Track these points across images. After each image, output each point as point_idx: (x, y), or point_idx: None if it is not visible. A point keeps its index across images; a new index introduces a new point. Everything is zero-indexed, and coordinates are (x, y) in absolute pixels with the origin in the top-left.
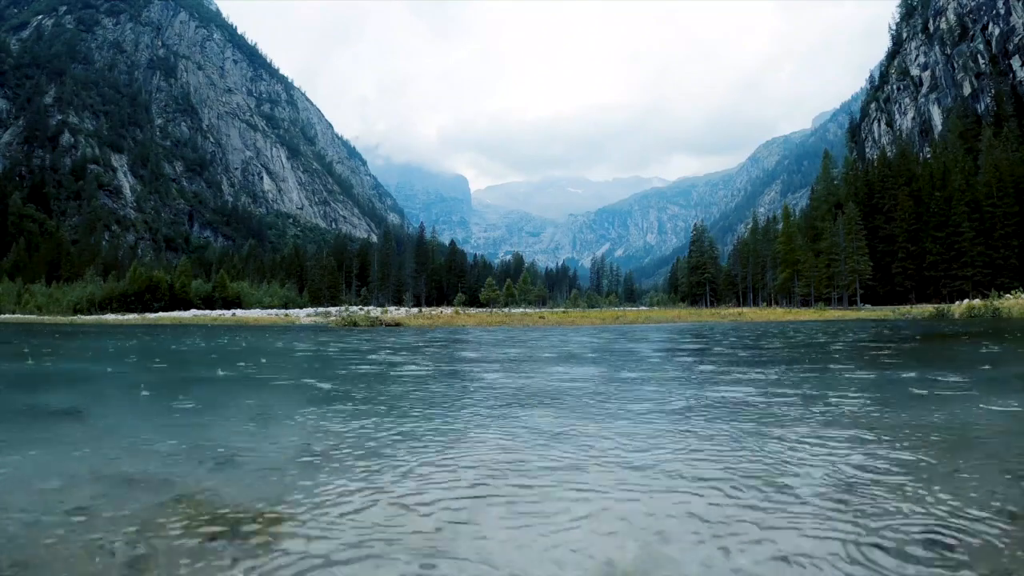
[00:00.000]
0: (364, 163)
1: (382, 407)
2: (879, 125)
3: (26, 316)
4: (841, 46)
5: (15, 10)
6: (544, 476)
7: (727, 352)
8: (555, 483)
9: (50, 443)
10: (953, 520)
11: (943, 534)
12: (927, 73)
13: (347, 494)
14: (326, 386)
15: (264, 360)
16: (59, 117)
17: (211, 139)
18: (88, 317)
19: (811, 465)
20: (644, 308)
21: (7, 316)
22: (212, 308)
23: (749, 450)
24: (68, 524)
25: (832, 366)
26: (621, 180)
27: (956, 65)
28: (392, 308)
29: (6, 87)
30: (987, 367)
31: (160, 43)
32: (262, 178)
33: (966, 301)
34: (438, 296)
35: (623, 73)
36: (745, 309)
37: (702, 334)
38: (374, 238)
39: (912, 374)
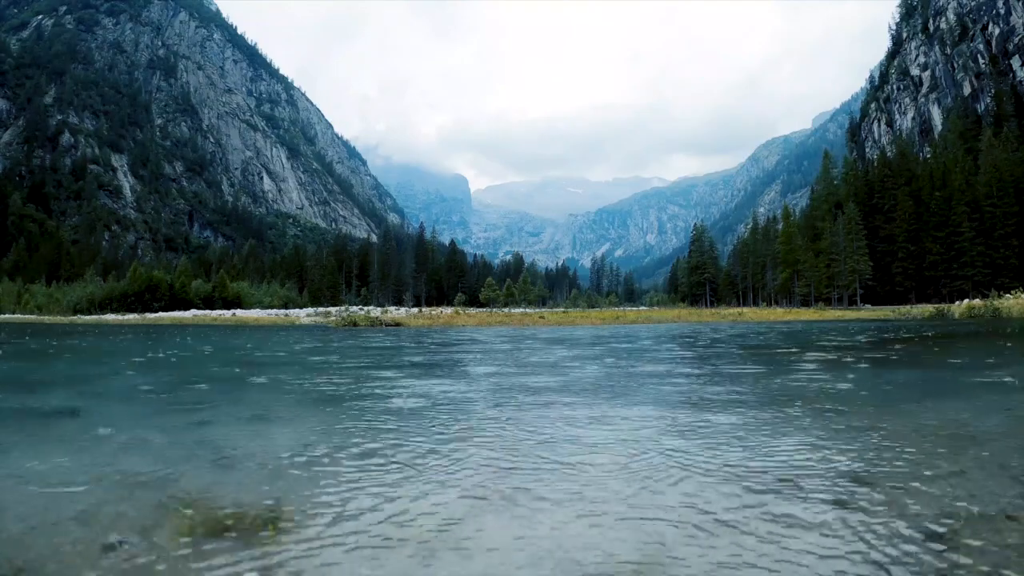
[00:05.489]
0: (364, 163)
1: (382, 407)
2: (879, 125)
3: (26, 316)
4: (841, 46)
5: (15, 10)
6: (545, 476)
7: (729, 352)
8: (556, 483)
9: (50, 443)
10: (953, 520)
11: (943, 534)
12: (927, 73)
13: (347, 494)
14: (326, 386)
15: (263, 360)
16: (59, 117)
17: (211, 139)
18: (88, 317)
19: (812, 464)
20: (644, 308)
21: (7, 316)
22: (212, 308)
23: (749, 449)
24: (67, 524)
25: (831, 366)
26: (621, 180)
27: (956, 65)
28: (392, 308)
29: (6, 87)
30: (986, 367)
31: (160, 43)
32: (262, 178)
33: (966, 301)
34: (438, 296)
35: (623, 73)
36: (745, 309)
37: (704, 334)
38: (374, 238)
39: (912, 374)
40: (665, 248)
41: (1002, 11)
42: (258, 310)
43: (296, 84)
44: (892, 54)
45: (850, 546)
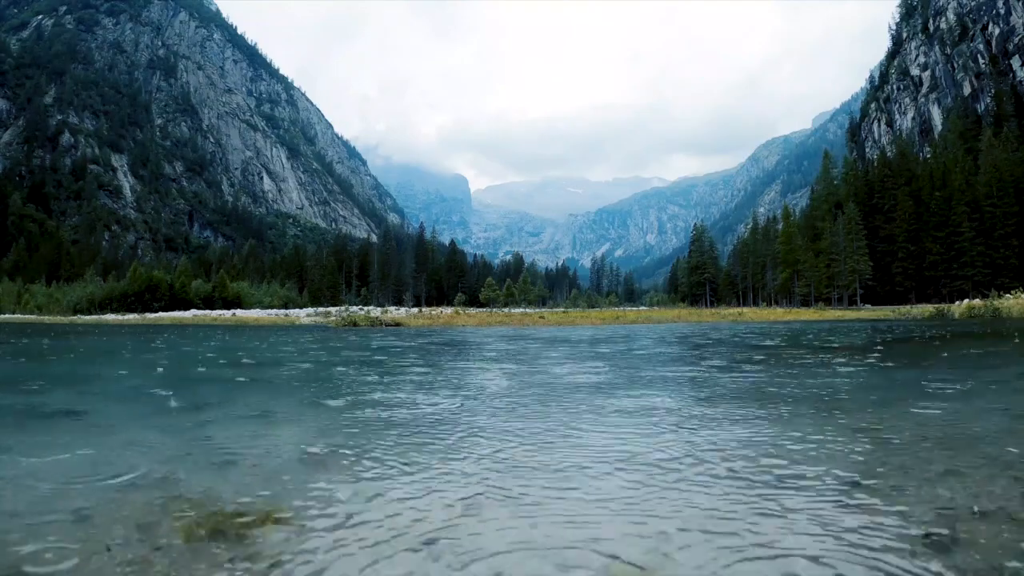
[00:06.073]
0: (364, 163)
1: (382, 407)
2: (879, 125)
3: (26, 316)
4: (841, 46)
5: (15, 10)
6: (546, 476)
7: (728, 352)
8: (557, 483)
9: (49, 444)
10: (953, 520)
11: (943, 534)
12: (927, 73)
13: (347, 494)
14: (325, 386)
15: (263, 360)
16: (59, 117)
17: (211, 139)
18: (88, 317)
19: (812, 465)
20: (644, 308)
21: (7, 316)
22: (212, 308)
23: (747, 449)
24: (67, 525)
25: (831, 365)
26: (621, 180)
27: (956, 65)
28: (392, 308)
29: (6, 87)
30: (986, 367)
31: (160, 43)
32: (262, 178)
33: (966, 301)
34: (438, 296)
35: (623, 73)
36: (745, 309)
37: (703, 334)
38: (374, 238)
39: (910, 374)
40: (665, 248)
41: (1002, 11)
42: (258, 310)
43: (296, 84)
44: (892, 54)
45: (850, 546)
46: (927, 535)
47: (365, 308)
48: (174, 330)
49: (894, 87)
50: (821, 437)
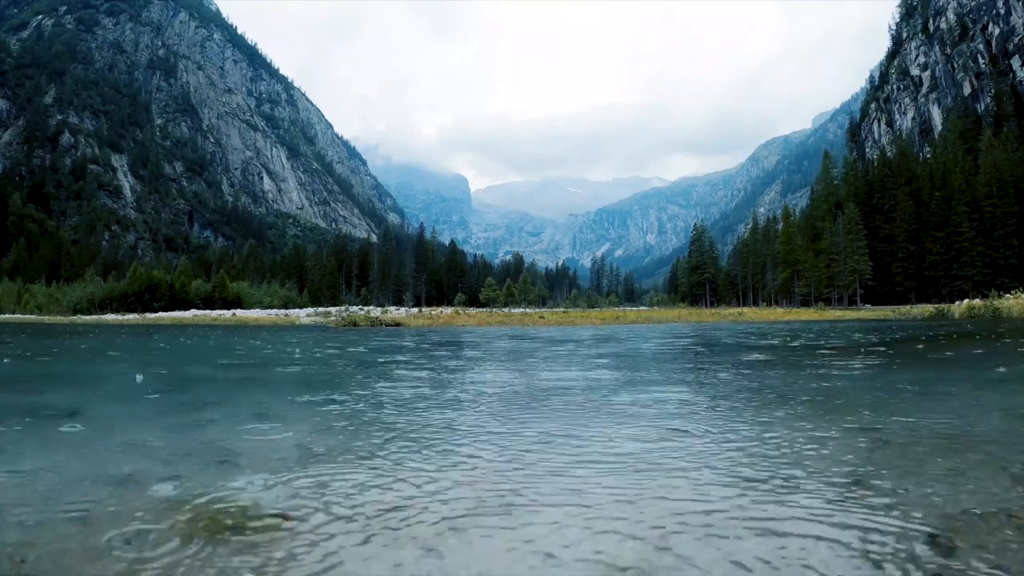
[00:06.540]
0: (364, 163)
1: (383, 408)
2: (879, 125)
3: (26, 316)
4: (841, 46)
5: (15, 10)
6: (546, 476)
7: (728, 352)
8: (557, 483)
9: (50, 443)
10: (953, 520)
11: (943, 534)
12: (927, 73)
13: (347, 495)
14: (325, 386)
15: (263, 360)
16: (59, 117)
17: (211, 139)
18: (88, 317)
19: (811, 465)
20: (644, 308)
21: (7, 316)
22: (212, 308)
23: (747, 450)
24: (68, 525)
25: (830, 366)
26: (621, 180)
27: (956, 65)
28: (392, 308)
29: (6, 87)
30: (985, 367)
31: (160, 43)
32: (262, 178)
33: (966, 301)
34: (438, 296)
35: (623, 73)
36: (745, 309)
37: (703, 334)
38: (374, 238)
39: (911, 374)
40: (665, 248)
41: (1002, 11)
42: (258, 310)
43: (296, 84)
44: (892, 54)
45: (850, 547)
46: (927, 535)
47: (365, 308)
48: (174, 330)
49: (894, 87)
50: (820, 437)
